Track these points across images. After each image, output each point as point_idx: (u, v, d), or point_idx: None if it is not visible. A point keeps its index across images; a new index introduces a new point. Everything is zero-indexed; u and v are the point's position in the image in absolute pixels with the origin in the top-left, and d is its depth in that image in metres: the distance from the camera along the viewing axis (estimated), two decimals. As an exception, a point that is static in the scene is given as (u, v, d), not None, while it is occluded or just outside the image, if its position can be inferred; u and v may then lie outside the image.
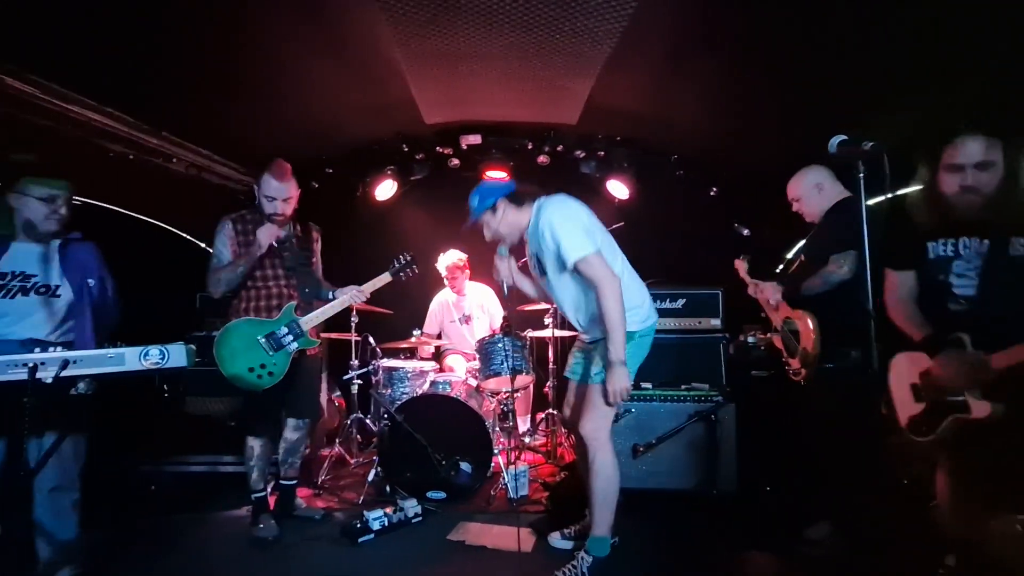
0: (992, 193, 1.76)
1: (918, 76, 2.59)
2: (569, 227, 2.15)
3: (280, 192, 2.67)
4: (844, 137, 1.66)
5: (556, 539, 2.55)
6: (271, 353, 2.59)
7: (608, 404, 2.16)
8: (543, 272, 2.34)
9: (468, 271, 4.31)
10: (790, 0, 2.35)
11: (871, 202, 1.79)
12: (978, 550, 1.83)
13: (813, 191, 2.59)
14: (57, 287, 2.11)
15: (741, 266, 3.05)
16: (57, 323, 2.10)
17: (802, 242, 2.79)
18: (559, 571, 2.21)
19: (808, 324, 2.46)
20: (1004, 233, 1.76)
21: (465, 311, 4.37)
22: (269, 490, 3.09)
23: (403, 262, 2.84)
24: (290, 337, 2.62)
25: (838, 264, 2.36)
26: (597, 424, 2.25)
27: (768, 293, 2.69)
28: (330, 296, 2.81)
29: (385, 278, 2.83)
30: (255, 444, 2.72)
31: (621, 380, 2.09)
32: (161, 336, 2.56)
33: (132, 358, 1.79)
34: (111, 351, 1.76)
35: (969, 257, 1.82)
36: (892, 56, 2.52)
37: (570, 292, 2.30)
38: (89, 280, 2.16)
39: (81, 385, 1.79)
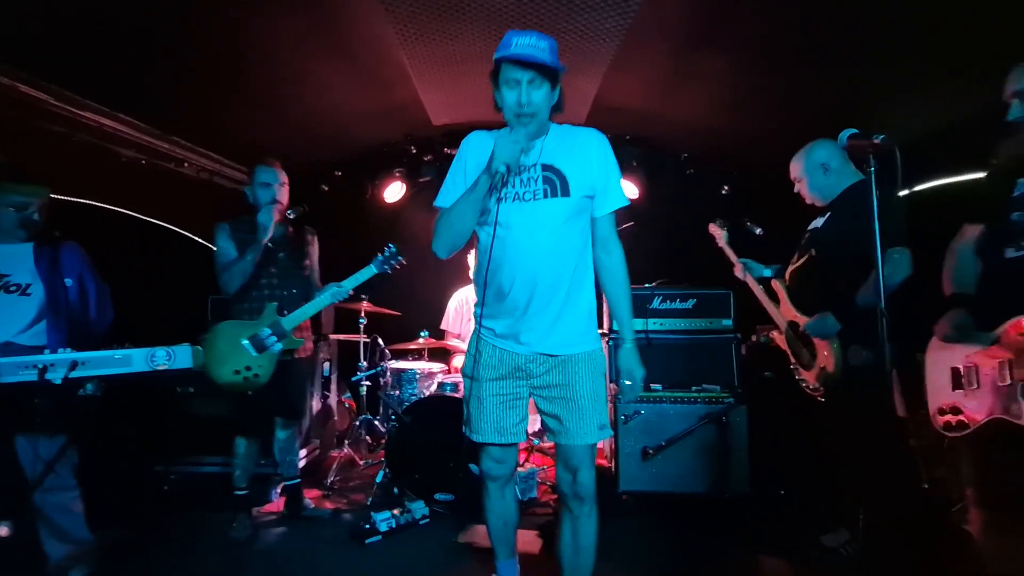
0: None
1: (932, 70, 2.52)
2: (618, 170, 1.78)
3: (274, 177, 2.72)
4: (854, 131, 1.61)
5: None
6: (256, 355, 2.57)
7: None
8: (538, 196, 1.66)
9: None
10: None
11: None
12: None
13: (818, 171, 2.32)
14: (28, 285, 2.04)
15: (718, 233, 2.85)
16: (28, 323, 2.03)
17: (809, 230, 2.47)
18: None
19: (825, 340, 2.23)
20: None
21: None
22: (279, 492, 3.12)
23: (388, 253, 2.75)
24: (274, 338, 2.59)
25: (893, 263, 2.02)
26: (593, 472, 1.75)
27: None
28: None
29: (370, 271, 2.74)
30: (242, 444, 2.73)
31: (638, 366, 1.74)
32: (172, 338, 2.61)
33: (139, 359, 1.81)
34: (118, 352, 1.78)
35: None
36: (906, 50, 2.47)
37: (564, 246, 1.68)
38: (66, 280, 2.09)
39: (89, 386, 1.81)
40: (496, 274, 1.69)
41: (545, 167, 1.68)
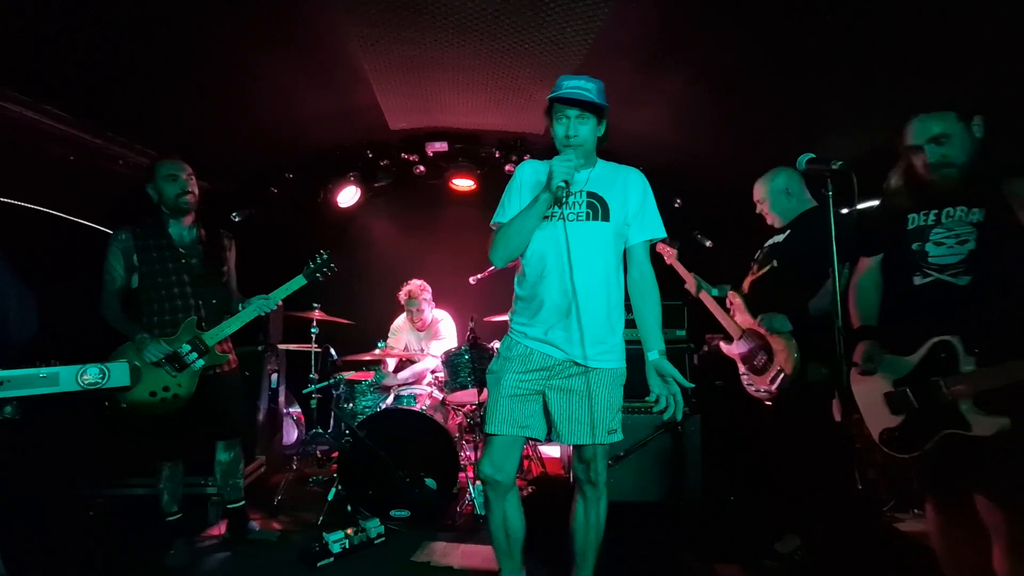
0: (967, 162, 1.65)
1: (878, 95, 2.67)
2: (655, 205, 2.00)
3: (180, 168, 2.48)
4: (812, 155, 1.68)
5: None
6: (174, 374, 2.37)
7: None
8: (581, 217, 1.89)
9: (431, 301, 3.99)
10: (757, 20, 2.40)
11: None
12: None
13: (781, 195, 2.49)
14: None
15: (668, 251, 2.88)
16: None
17: (768, 246, 2.59)
18: None
19: (782, 342, 2.31)
20: (996, 202, 1.60)
21: (422, 344, 4.03)
22: (220, 513, 2.92)
23: (319, 262, 2.63)
24: (195, 355, 2.41)
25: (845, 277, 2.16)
26: (605, 462, 1.98)
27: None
28: (240, 308, 2.56)
29: (299, 281, 2.60)
30: (164, 467, 2.53)
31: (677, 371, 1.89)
32: (110, 348, 2.39)
33: (68, 378, 1.65)
34: (44, 370, 1.61)
35: (952, 225, 1.68)
36: (854, 75, 2.60)
37: (601, 264, 1.89)
38: None
39: (8, 409, 1.62)
40: (538, 284, 1.90)
41: (590, 194, 1.91)
